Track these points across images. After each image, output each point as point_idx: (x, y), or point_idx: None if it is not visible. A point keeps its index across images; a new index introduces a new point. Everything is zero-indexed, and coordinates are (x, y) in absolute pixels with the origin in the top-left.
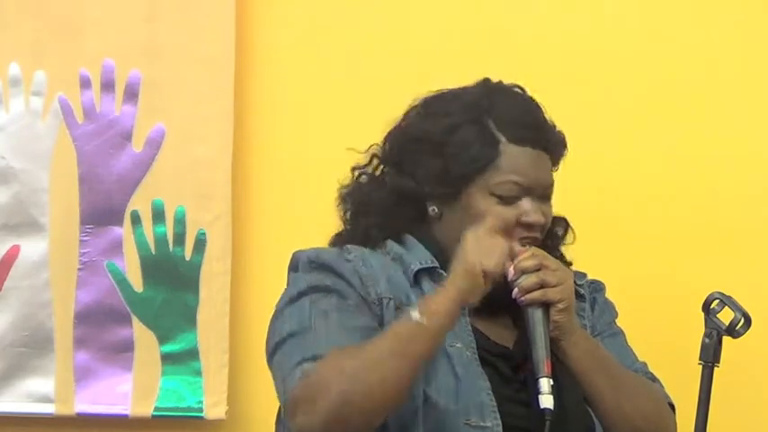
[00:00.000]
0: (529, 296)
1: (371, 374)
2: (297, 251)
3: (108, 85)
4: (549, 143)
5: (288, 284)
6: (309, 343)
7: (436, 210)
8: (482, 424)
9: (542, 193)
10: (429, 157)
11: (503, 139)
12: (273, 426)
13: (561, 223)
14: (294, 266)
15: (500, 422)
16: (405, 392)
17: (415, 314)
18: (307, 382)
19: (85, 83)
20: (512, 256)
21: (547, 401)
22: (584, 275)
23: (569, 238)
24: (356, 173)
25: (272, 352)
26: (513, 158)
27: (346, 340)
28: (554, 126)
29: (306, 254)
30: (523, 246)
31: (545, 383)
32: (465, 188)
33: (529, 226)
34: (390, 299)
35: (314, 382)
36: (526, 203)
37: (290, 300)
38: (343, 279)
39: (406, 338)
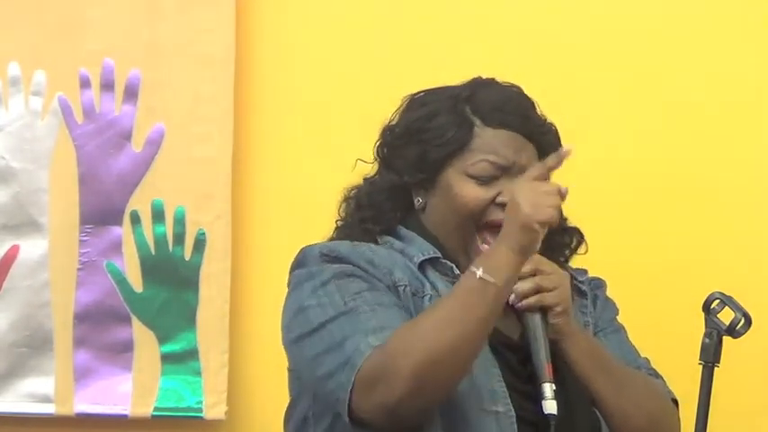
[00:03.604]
0: (525, 302)
1: (449, 333)
2: (305, 246)
3: (108, 85)
4: (531, 131)
5: (301, 277)
6: (359, 321)
7: (420, 200)
8: (495, 409)
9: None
10: (408, 146)
11: (477, 122)
12: (273, 426)
13: (574, 234)
14: (303, 261)
15: (512, 408)
16: (480, 350)
17: (479, 272)
18: (382, 353)
19: (85, 83)
20: (562, 197)
21: (550, 407)
22: (584, 272)
23: (582, 248)
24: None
25: (301, 338)
26: (488, 139)
27: (394, 314)
28: (544, 119)
29: (317, 248)
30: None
31: (547, 389)
32: (442, 173)
33: (505, 207)
34: (406, 285)
35: (391, 350)
36: (502, 185)
37: (314, 290)
38: (361, 268)
39: (475, 296)
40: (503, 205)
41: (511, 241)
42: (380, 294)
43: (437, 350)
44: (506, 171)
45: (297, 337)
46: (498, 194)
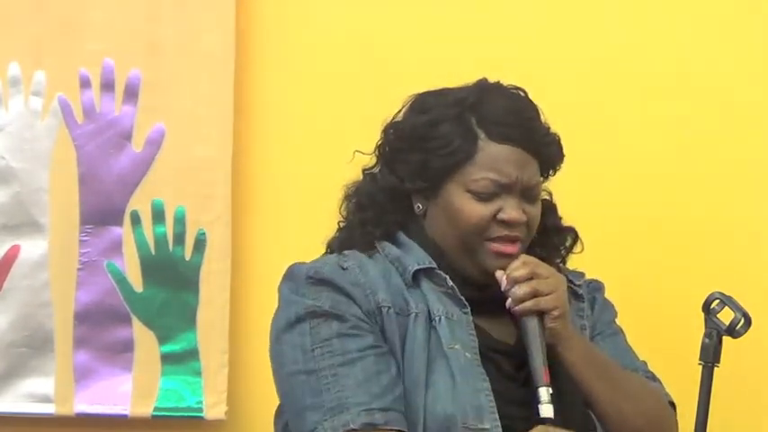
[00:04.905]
0: (522, 306)
1: None
2: (293, 265)
3: (108, 85)
4: (535, 145)
5: (284, 301)
6: (319, 390)
7: (420, 207)
8: (480, 426)
9: (524, 193)
10: (411, 151)
11: (482, 135)
12: (273, 426)
13: (569, 234)
14: (290, 279)
15: (499, 424)
16: None
17: None
18: None
19: (85, 83)
20: None
21: (547, 411)
22: (581, 275)
23: (578, 247)
24: (365, 173)
25: (280, 378)
26: (491, 155)
27: (354, 377)
28: (547, 130)
29: (304, 269)
30: (506, 243)
31: (544, 393)
32: (443, 183)
33: (507, 224)
34: (390, 307)
35: None
36: (503, 201)
37: (289, 324)
38: (343, 293)
39: None
40: (504, 222)
41: None
42: (349, 341)
43: None
44: (507, 188)
45: (271, 363)
46: (499, 211)
